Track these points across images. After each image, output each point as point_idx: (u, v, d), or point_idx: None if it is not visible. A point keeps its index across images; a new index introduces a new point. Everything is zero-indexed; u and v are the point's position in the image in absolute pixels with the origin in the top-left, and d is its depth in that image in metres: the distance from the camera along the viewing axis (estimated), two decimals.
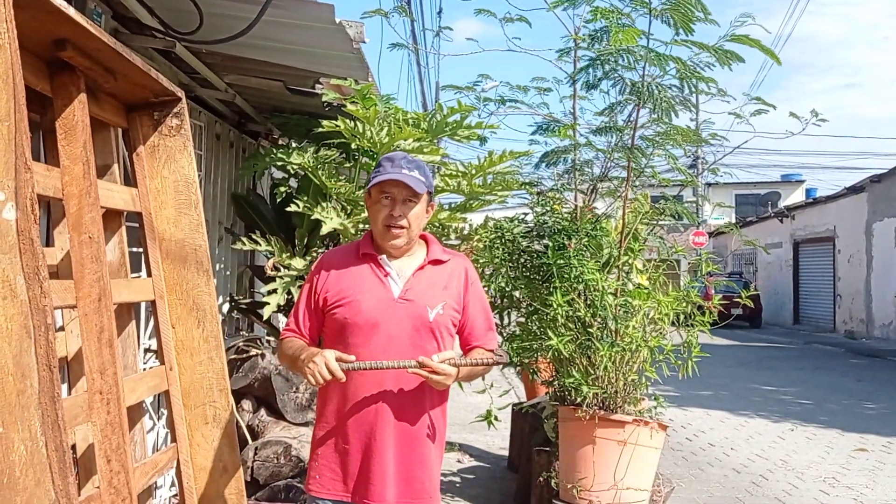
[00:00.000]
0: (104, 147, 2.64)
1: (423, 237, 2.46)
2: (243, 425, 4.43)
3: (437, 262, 2.40)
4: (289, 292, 4.39)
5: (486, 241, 4.51)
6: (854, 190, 20.43)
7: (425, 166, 2.43)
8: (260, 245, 4.59)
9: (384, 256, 2.36)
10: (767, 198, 33.77)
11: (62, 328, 2.71)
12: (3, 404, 1.62)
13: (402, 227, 2.32)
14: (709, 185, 24.29)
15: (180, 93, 2.79)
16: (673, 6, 3.33)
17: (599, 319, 3.73)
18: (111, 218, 2.62)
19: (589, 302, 3.77)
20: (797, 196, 31.98)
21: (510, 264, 4.32)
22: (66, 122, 2.27)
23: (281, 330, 2.53)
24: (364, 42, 3.73)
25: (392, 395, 2.27)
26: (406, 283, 2.33)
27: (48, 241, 2.76)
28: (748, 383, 11.24)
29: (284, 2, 3.20)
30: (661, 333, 3.82)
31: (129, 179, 2.82)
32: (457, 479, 5.63)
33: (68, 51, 2.17)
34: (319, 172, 4.55)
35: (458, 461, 6.13)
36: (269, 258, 4.74)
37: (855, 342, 18.63)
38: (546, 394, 4.85)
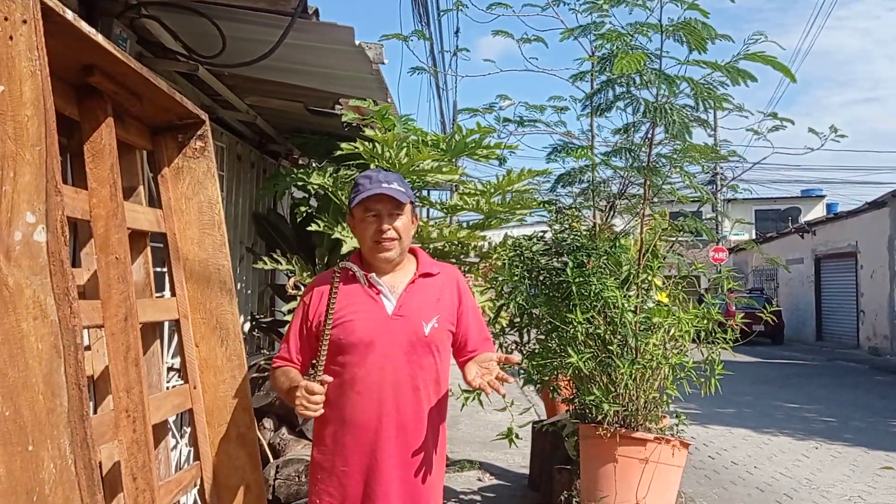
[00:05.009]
0: (130, 169, 2.68)
1: (411, 250, 2.45)
2: (265, 443, 4.45)
3: (427, 274, 2.38)
4: None
5: (505, 259, 4.52)
6: (876, 205, 20.18)
7: (402, 178, 2.42)
8: (281, 264, 4.63)
9: (374, 274, 2.34)
10: (787, 213, 33.50)
11: (89, 347, 2.74)
12: (34, 423, 1.65)
13: (392, 240, 2.31)
14: (728, 201, 24.15)
15: (204, 116, 2.83)
16: (684, 26, 3.35)
17: (619, 337, 3.73)
18: (136, 239, 2.66)
19: (608, 319, 3.77)
20: (818, 211, 31.70)
21: (529, 282, 4.33)
22: (93, 146, 2.31)
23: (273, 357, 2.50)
24: (383, 63, 3.78)
25: (392, 415, 2.25)
26: (399, 299, 2.31)
27: (75, 262, 2.81)
28: (771, 400, 11.11)
29: (305, 25, 3.24)
30: (681, 351, 3.81)
31: (154, 201, 2.86)
32: (477, 497, 5.61)
33: (96, 76, 2.21)
34: (339, 192, 4.59)
35: (479, 479, 6.11)
36: (289, 277, 4.78)
37: (879, 359, 18.35)
38: (566, 412, 4.84)
